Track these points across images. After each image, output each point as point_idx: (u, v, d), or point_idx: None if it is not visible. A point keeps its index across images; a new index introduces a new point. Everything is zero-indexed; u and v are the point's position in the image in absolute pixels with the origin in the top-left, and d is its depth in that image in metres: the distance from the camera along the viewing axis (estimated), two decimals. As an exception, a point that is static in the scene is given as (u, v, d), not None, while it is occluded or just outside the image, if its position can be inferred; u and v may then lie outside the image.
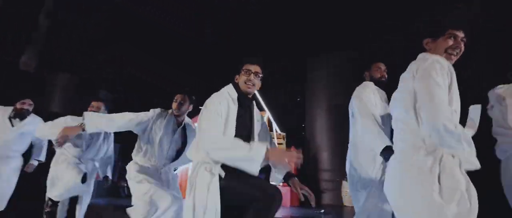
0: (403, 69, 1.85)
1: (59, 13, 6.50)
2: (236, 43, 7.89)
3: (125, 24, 7.05)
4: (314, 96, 8.33)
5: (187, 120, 3.05)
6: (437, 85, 1.58)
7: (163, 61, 7.46)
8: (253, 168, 1.76)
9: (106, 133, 3.69)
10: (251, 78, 2.10)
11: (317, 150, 7.94)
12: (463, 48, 1.78)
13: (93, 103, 3.55)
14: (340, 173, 7.02)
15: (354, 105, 2.60)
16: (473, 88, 3.61)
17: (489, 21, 5.51)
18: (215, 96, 2.10)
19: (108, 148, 3.74)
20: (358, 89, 2.69)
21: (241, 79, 2.14)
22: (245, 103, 2.14)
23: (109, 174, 3.74)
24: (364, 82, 2.80)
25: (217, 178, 1.88)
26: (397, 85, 1.88)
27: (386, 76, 2.76)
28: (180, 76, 7.59)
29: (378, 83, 2.74)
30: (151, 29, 7.20)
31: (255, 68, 2.13)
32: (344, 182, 6.84)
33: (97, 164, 3.65)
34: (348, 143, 2.76)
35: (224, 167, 1.89)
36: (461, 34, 1.77)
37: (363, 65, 3.01)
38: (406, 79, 1.74)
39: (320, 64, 8.25)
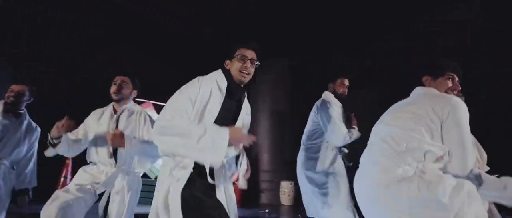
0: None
1: (59, 13, 6.49)
2: (236, 43, 7.84)
3: (125, 24, 7.04)
4: (258, 99, 8.49)
5: (129, 106, 2.56)
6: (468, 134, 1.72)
7: (163, 61, 7.45)
8: (218, 158, 1.46)
9: (30, 125, 2.75)
10: (247, 65, 1.78)
11: (258, 151, 8.13)
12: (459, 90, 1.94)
13: (13, 87, 2.65)
14: (278, 174, 7.36)
15: (324, 119, 2.77)
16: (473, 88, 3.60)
17: (489, 21, 5.51)
18: (197, 80, 1.77)
19: (32, 146, 2.77)
20: (326, 103, 2.87)
21: (233, 66, 1.80)
22: (235, 94, 1.80)
23: (32, 183, 2.79)
24: (326, 93, 3.00)
25: (179, 184, 1.49)
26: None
27: (346, 92, 2.98)
28: (180, 76, 7.58)
29: (338, 97, 2.95)
30: (151, 29, 7.19)
31: (251, 54, 1.81)
32: (282, 182, 7.20)
33: (8, 166, 2.65)
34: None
35: (190, 179, 1.52)
36: (457, 78, 1.92)
37: (317, 72, 3.43)
38: (430, 120, 1.71)
39: (266, 69, 8.43)
